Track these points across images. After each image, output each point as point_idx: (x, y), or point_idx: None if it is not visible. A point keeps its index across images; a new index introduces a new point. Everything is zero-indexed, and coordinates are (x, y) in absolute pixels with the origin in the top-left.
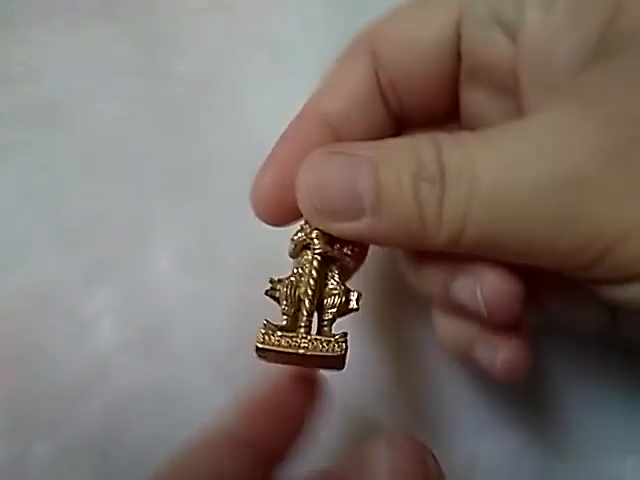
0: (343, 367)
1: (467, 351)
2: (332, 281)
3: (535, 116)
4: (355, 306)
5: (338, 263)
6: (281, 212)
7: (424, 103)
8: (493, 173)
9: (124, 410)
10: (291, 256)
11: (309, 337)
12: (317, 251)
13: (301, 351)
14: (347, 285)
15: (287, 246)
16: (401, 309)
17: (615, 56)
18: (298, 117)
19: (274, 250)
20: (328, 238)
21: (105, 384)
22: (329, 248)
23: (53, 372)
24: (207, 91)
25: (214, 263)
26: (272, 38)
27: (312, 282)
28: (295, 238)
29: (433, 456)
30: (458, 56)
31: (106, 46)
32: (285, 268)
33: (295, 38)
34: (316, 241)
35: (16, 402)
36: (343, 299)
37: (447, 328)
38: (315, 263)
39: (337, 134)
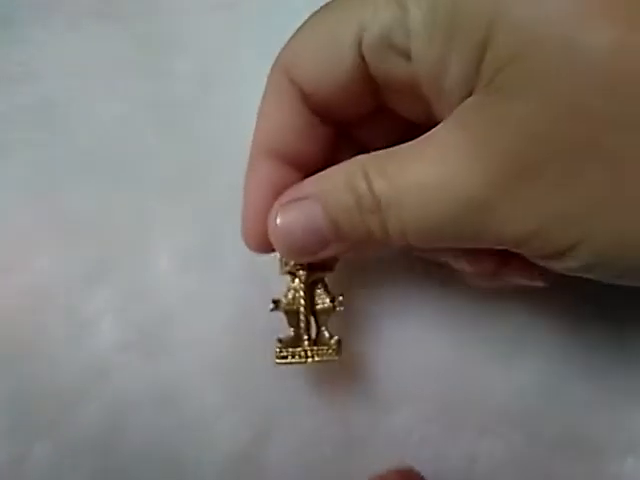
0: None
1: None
2: (319, 292)
3: (429, 152)
4: (340, 307)
5: (323, 277)
6: (266, 245)
7: (350, 112)
8: (410, 202)
9: (124, 410)
10: (282, 274)
11: (312, 349)
12: (303, 278)
13: (309, 360)
14: (331, 292)
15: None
16: (401, 307)
17: (489, 93)
18: (250, 162)
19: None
20: (308, 265)
21: (105, 384)
22: (310, 275)
23: (53, 372)
24: (208, 91)
25: (214, 263)
26: (272, 38)
27: (303, 302)
28: (282, 267)
29: None
30: (369, 74)
31: (106, 46)
32: None
33: None
34: (301, 272)
35: (16, 402)
36: (330, 305)
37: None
38: (302, 287)
39: (289, 162)
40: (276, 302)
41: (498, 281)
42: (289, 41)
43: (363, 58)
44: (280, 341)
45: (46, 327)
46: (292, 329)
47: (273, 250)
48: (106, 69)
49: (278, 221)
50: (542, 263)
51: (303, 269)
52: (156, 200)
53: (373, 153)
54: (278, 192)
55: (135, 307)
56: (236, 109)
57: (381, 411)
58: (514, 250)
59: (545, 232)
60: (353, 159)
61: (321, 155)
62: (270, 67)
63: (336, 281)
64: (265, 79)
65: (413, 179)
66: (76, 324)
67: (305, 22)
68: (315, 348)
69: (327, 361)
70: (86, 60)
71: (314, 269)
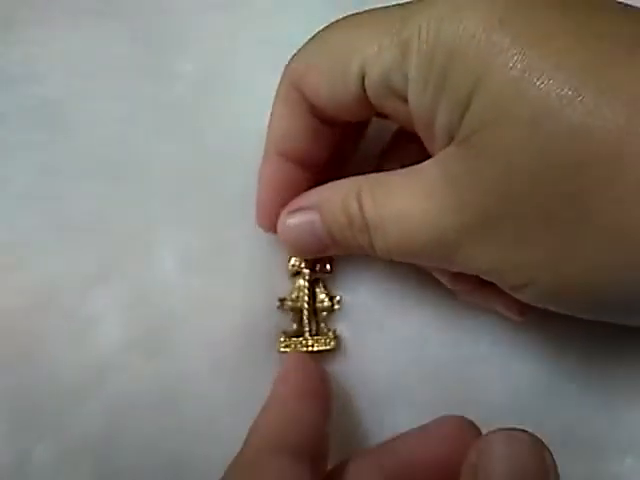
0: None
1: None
2: (320, 292)
3: (414, 187)
4: (337, 307)
5: (321, 278)
6: (275, 229)
7: (359, 120)
8: (393, 229)
9: (126, 411)
10: (289, 277)
11: (313, 339)
12: (307, 277)
13: (310, 349)
14: (330, 292)
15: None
16: (400, 306)
17: (467, 147)
18: (264, 158)
19: (278, 250)
20: (312, 264)
21: (107, 385)
22: (314, 274)
23: (55, 373)
24: (209, 91)
25: (218, 264)
26: (273, 38)
27: (307, 299)
28: (290, 267)
29: (549, 452)
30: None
31: (107, 46)
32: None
33: (296, 38)
34: (305, 270)
35: (18, 403)
36: (329, 304)
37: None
38: (307, 285)
39: (297, 162)
40: (282, 300)
41: (480, 300)
42: (299, 54)
43: (365, 90)
44: (284, 333)
45: (48, 327)
46: (295, 325)
47: None
48: (107, 69)
49: (285, 225)
50: (508, 292)
51: (307, 268)
52: (159, 200)
53: (369, 175)
54: (287, 186)
55: (138, 308)
56: (238, 109)
57: (381, 409)
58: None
59: (499, 272)
60: (352, 178)
61: (326, 154)
62: (269, 66)
63: (337, 280)
64: (265, 79)
65: (397, 209)
66: (78, 325)
67: (316, 37)
68: (315, 338)
69: (326, 350)
70: (87, 61)
71: (315, 270)
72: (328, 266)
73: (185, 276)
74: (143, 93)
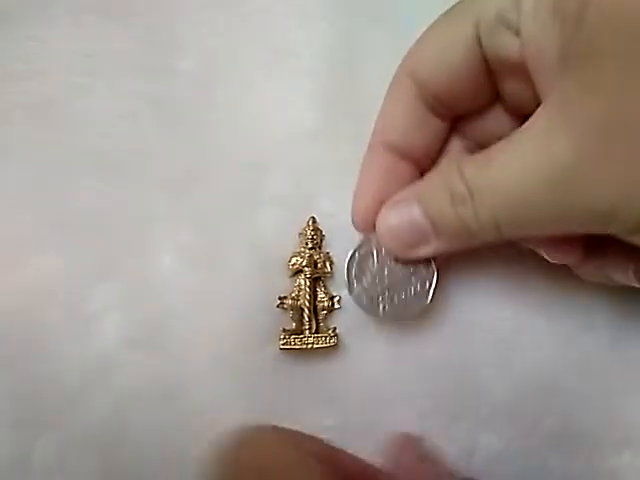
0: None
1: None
2: (320, 291)
3: (524, 134)
4: (338, 306)
5: (322, 277)
6: (369, 225)
7: (468, 104)
8: (504, 189)
9: (127, 407)
10: (289, 276)
11: (313, 336)
12: (308, 275)
13: (309, 346)
14: (330, 292)
15: (290, 252)
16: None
17: (585, 64)
18: (368, 149)
19: (277, 248)
20: (314, 264)
21: (108, 382)
22: (316, 271)
23: (56, 370)
24: (209, 89)
25: (217, 261)
26: (273, 37)
27: (308, 297)
28: (291, 266)
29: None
30: (486, 61)
31: (107, 44)
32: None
33: (296, 37)
34: (307, 269)
35: (20, 399)
36: (329, 303)
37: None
38: (309, 283)
39: (402, 154)
40: (282, 298)
41: (592, 269)
42: (413, 45)
43: (479, 41)
44: (284, 330)
45: (49, 325)
46: (294, 323)
47: (374, 229)
48: (108, 67)
49: (384, 222)
50: (630, 239)
51: (308, 266)
52: (159, 198)
53: (470, 156)
54: (389, 180)
55: (138, 305)
56: (237, 107)
57: (381, 407)
58: (601, 231)
59: (620, 210)
60: (451, 161)
61: (432, 150)
62: (268, 64)
63: (338, 280)
64: (266, 77)
65: (503, 165)
66: (79, 322)
67: (428, 27)
68: (315, 335)
69: (326, 347)
70: (88, 58)
71: (317, 270)
72: (328, 266)
73: (184, 273)
74: (143, 91)
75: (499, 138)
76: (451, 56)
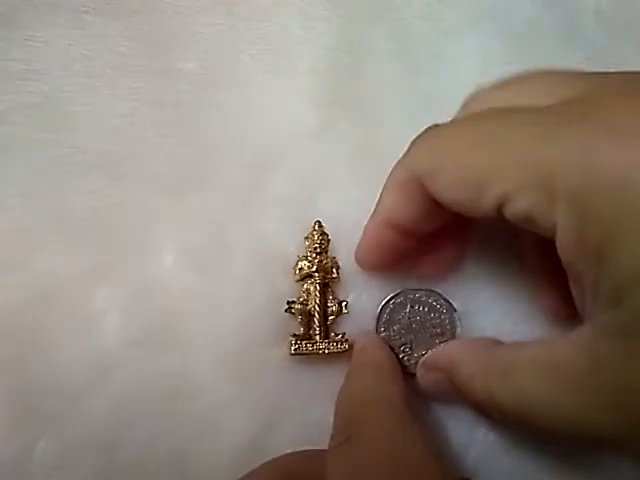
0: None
1: None
2: (329, 297)
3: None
4: (346, 311)
5: (330, 283)
6: (373, 269)
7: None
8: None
9: (128, 408)
10: (296, 280)
11: (324, 342)
12: (318, 281)
13: (321, 352)
14: (338, 297)
15: (292, 252)
16: None
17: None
18: (372, 218)
19: (280, 247)
20: (323, 269)
21: (109, 382)
22: (326, 277)
23: (57, 370)
24: (210, 89)
25: (220, 261)
26: (273, 37)
27: (318, 302)
28: (299, 269)
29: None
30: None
31: (108, 44)
32: (290, 264)
33: (296, 37)
34: (317, 274)
35: (20, 399)
36: (338, 308)
37: None
38: (318, 288)
39: (405, 234)
40: (290, 303)
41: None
42: (423, 148)
43: (499, 210)
44: (295, 335)
45: (50, 325)
46: (302, 328)
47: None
48: (108, 67)
49: (422, 377)
50: None
51: (319, 272)
52: (160, 198)
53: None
54: (388, 248)
55: (139, 305)
56: (238, 107)
57: None
58: None
59: None
60: (479, 348)
61: (435, 229)
62: (269, 64)
63: (342, 283)
64: (267, 77)
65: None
66: (81, 322)
67: (441, 132)
68: (327, 341)
69: (337, 353)
70: (89, 58)
71: (325, 275)
72: (335, 271)
73: (186, 274)
74: (144, 91)
75: None
76: (464, 201)
